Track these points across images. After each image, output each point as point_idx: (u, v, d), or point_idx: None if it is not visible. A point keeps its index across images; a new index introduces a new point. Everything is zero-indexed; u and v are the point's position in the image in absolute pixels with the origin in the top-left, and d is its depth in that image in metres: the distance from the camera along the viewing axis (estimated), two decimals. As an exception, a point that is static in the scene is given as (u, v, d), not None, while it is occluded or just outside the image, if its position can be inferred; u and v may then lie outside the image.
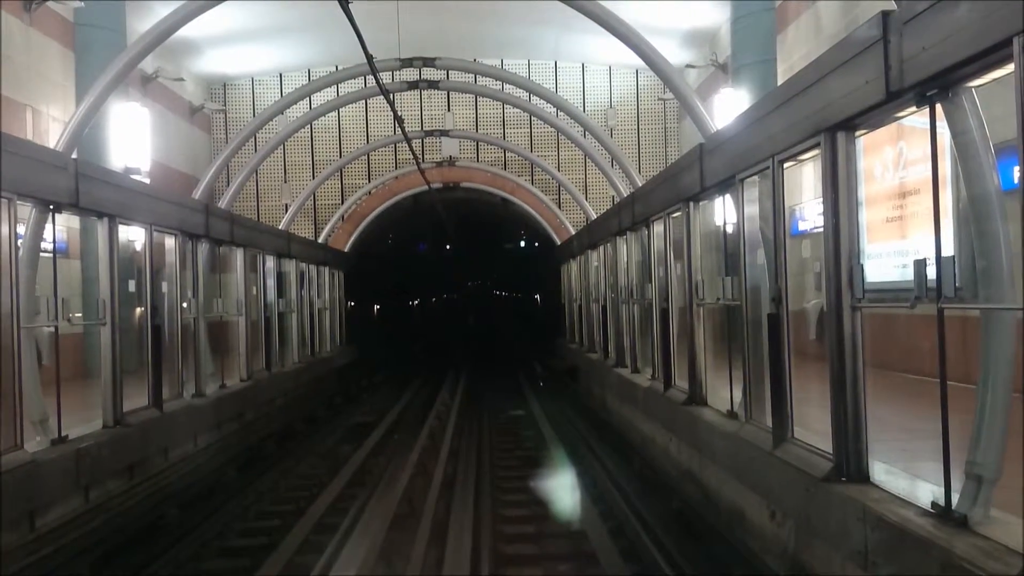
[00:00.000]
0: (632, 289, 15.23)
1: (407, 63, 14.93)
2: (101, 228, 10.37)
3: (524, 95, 22.77)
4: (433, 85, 17.49)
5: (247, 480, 13.18)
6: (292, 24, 24.53)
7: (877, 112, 5.63)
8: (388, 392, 25.68)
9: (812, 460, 6.59)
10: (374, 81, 14.35)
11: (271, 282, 18.43)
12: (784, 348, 7.26)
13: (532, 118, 28.54)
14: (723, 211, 9.44)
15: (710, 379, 10.51)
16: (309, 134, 29.44)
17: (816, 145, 6.43)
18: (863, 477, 6.06)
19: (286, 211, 27.19)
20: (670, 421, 11.21)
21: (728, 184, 8.91)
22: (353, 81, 25.81)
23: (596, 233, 19.39)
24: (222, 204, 16.92)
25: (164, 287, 12.32)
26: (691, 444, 10.30)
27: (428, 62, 15.17)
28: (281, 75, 29.09)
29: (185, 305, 13.04)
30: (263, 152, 18.71)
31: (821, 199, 6.45)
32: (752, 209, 8.28)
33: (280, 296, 19.37)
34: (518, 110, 28.56)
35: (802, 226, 16.89)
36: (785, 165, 7.20)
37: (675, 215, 11.70)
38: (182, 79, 24.65)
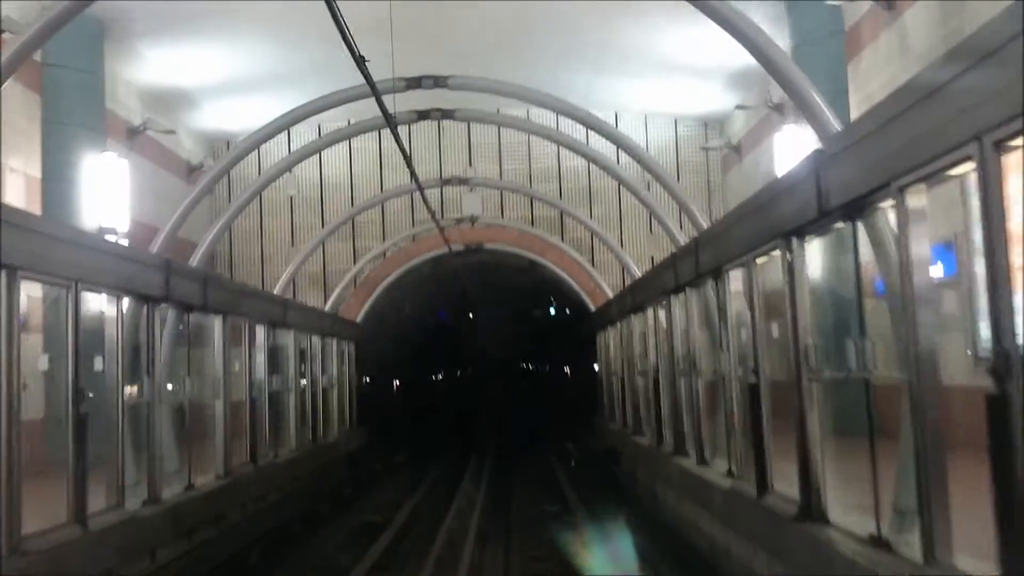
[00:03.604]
0: (695, 359, 12.34)
1: (414, 83, 12.28)
2: (-2, 284, 7.62)
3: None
4: (448, 115, 14.83)
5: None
6: (300, 73, 22.15)
7: None
8: (403, 481, 22.74)
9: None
10: (380, 111, 11.76)
11: (261, 357, 15.61)
12: (1020, 448, 4.34)
13: (561, 170, 26.24)
14: (854, 244, 6.61)
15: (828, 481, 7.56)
16: (319, 194, 27.11)
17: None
18: None
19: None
20: (772, 540, 8.20)
21: (866, 202, 6.12)
22: (367, 138, 23.62)
23: (643, 292, 16.53)
24: (194, 261, 14.26)
25: (99, 364, 9.54)
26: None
27: (440, 81, 12.55)
28: (289, 132, 26.70)
29: (134, 387, 10.29)
30: (248, 192, 15.86)
31: None
32: (920, 234, 5.46)
33: (274, 372, 16.56)
34: (545, 165, 26.15)
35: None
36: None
37: (761, 259, 8.89)
38: (173, 131, 22.37)
